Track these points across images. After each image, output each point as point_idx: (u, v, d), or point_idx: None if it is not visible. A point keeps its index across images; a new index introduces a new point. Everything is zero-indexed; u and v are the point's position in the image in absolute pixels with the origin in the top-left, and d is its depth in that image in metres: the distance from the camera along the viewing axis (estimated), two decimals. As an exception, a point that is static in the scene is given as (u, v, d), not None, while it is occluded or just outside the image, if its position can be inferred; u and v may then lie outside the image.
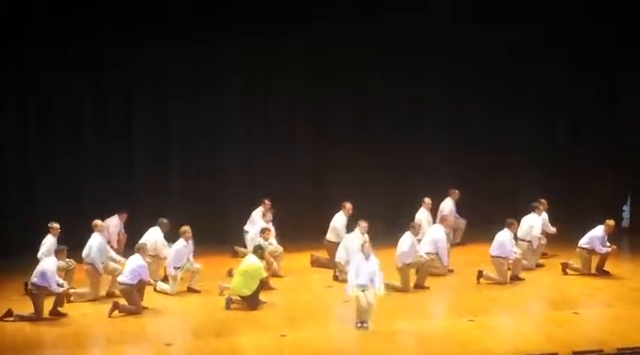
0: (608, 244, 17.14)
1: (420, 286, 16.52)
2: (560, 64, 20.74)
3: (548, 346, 13.26)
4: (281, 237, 17.81)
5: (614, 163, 20.83)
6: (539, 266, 17.85)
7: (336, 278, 16.89)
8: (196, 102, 19.84)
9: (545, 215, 17.97)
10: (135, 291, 15.43)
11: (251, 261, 15.81)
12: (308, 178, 20.14)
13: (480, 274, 16.71)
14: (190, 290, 16.53)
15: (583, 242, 17.19)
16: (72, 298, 15.82)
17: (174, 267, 16.42)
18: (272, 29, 19.43)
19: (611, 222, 17.20)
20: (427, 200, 18.63)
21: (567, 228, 18.34)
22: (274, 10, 19.43)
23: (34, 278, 15.11)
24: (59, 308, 15.35)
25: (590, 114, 21.05)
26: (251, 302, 15.57)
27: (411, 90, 20.52)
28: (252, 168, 19.83)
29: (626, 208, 20.56)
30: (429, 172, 20.04)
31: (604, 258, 17.21)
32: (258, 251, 16.08)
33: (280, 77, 20.01)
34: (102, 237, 16.44)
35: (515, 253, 16.92)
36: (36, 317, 15.04)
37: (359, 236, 16.82)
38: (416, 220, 17.77)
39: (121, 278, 15.50)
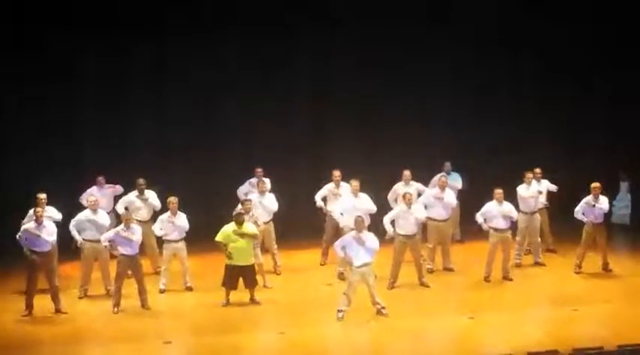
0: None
1: (422, 283, 16.58)
2: (560, 63, 20.76)
3: (548, 343, 13.22)
4: (279, 235, 17.73)
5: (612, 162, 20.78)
6: (539, 264, 17.83)
7: (340, 275, 16.84)
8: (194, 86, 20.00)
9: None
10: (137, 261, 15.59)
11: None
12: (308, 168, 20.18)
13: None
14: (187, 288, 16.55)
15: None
16: None
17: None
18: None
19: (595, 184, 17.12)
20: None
21: (566, 227, 18.33)
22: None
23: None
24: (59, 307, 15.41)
25: (590, 113, 21.05)
26: (251, 273, 15.62)
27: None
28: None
29: (616, 204, 20.56)
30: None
31: (605, 255, 17.20)
32: (238, 216, 15.76)
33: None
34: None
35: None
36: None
37: (350, 196, 16.99)
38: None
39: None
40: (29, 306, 15.28)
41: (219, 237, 15.64)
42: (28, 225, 15.48)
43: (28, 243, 15.30)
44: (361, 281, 14.81)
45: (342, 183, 17.72)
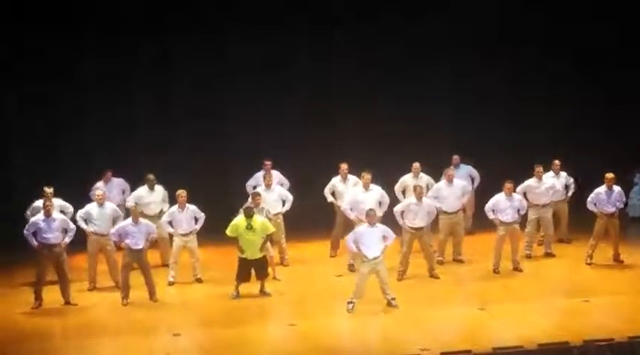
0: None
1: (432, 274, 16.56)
2: (561, 63, 20.82)
3: (558, 335, 13.19)
4: (289, 226, 17.74)
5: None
6: (550, 255, 17.78)
7: (351, 267, 16.81)
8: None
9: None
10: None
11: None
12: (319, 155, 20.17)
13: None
14: (197, 280, 16.54)
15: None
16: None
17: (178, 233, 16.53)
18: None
19: (609, 175, 17.08)
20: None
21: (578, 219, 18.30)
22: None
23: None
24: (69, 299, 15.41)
25: (590, 113, 21.04)
26: (263, 265, 15.63)
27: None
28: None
29: (632, 196, 20.52)
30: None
31: (617, 245, 17.14)
32: (247, 209, 15.69)
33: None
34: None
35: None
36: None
37: (361, 189, 16.92)
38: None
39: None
40: (38, 298, 15.31)
41: (229, 231, 15.61)
42: (36, 217, 15.48)
43: (37, 235, 15.29)
44: (371, 272, 14.79)
45: (350, 176, 17.67)
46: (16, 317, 14.98)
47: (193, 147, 20.10)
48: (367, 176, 16.95)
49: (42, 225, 15.31)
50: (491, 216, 16.79)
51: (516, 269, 16.80)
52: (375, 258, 14.73)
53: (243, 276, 15.63)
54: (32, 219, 15.51)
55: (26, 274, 16.38)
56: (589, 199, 17.11)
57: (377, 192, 16.95)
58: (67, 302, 15.39)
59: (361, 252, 14.82)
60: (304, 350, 13.40)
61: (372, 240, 14.78)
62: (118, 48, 19.26)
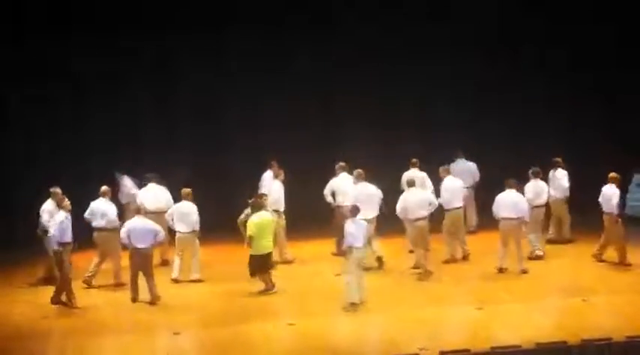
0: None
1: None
2: (560, 63, 20.83)
3: (557, 334, 13.18)
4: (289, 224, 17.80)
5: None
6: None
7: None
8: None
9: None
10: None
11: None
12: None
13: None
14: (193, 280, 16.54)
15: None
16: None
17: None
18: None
19: (613, 175, 17.06)
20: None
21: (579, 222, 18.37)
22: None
23: None
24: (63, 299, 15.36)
25: (590, 114, 21.08)
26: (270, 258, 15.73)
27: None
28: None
29: (630, 196, 20.54)
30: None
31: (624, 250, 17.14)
32: (258, 205, 15.86)
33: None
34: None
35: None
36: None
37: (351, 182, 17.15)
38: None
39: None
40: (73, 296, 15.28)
41: (254, 230, 15.54)
42: (59, 217, 15.33)
43: (58, 236, 15.21)
44: (360, 264, 14.99)
45: (346, 175, 17.69)
46: (16, 317, 15.02)
47: (193, 147, 20.12)
48: (359, 171, 17.15)
49: (66, 223, 15.24)
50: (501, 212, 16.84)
51: (522, 270, 16.77)
52: (359, 248, 14.94)
53: (265, 269, 15.74)
54: (57, 220, 15.34)
55: (26, 275, 16.44)
56: (600, 199, 17.07)
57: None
58: (64, 304, 15.35)
59: (349, 242, 14.94)
60: (303, 348, 13.44)
61: (358, 232, 14.99)
62: (118, 48, 19.29)
